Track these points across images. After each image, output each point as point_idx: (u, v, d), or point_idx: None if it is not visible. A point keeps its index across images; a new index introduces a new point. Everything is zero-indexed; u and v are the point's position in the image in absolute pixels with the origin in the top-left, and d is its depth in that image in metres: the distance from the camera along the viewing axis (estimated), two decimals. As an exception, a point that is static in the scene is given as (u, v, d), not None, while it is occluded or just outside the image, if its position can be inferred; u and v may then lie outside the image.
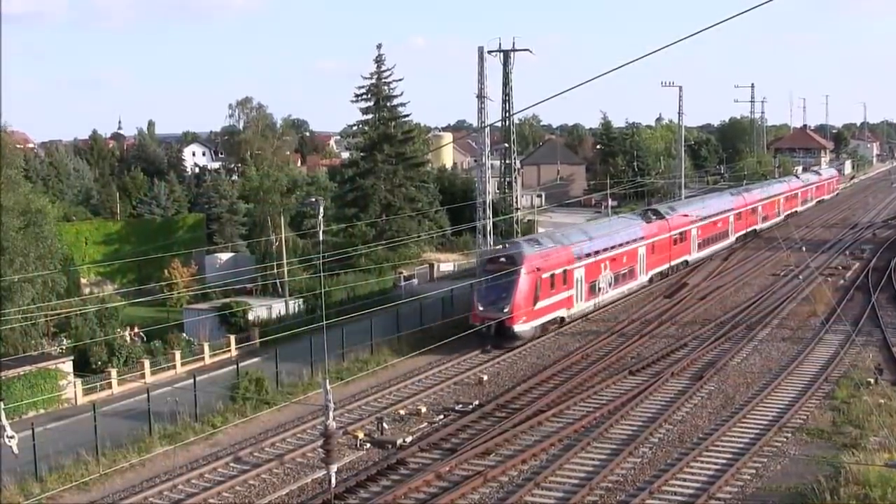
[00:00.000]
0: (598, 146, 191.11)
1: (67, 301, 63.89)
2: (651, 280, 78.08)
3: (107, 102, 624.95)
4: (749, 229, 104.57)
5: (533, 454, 38.89)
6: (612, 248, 70.28)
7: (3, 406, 29.71)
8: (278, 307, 69.12)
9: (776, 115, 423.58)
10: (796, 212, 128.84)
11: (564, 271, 62.42)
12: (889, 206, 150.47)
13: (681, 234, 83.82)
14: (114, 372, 53.17)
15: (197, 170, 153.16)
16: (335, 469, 32.71)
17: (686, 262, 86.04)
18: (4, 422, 28.01)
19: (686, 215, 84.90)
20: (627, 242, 73.01)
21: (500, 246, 64.71)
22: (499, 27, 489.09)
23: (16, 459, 31.34)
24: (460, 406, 46.34)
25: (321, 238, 47.67)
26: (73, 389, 50.43)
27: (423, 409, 45.57)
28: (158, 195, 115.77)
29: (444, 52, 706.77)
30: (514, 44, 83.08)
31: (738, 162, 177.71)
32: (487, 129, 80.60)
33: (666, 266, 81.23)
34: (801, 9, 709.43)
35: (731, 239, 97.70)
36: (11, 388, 47.56)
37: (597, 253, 67.59)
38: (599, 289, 67.94)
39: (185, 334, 63.36)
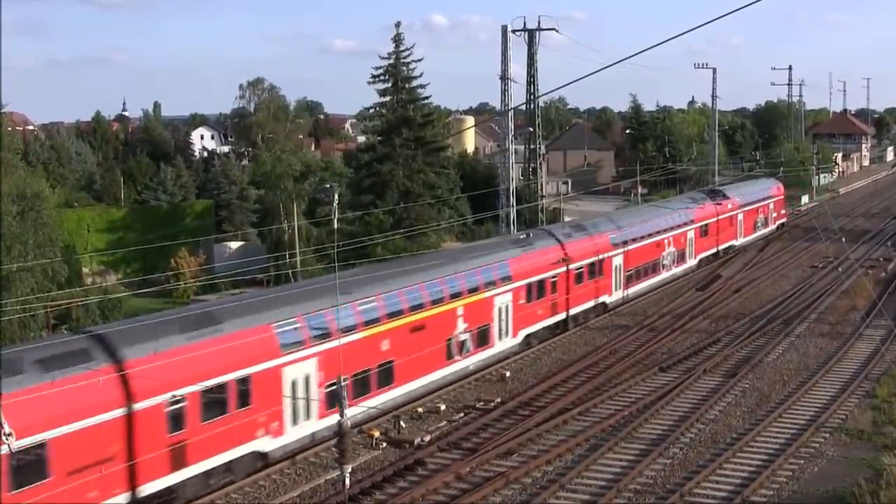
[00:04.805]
0: (627, 131, 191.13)
1: (69, 291, 64.05)
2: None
3: (111, 82, 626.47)
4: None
5: (558, 454, 38.86)
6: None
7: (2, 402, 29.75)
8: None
9: (815, 98, 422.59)
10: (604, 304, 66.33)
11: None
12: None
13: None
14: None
15: (205, 154, 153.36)
16: (349, 469, 32.77)
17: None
18: (3, 419, 28.09)
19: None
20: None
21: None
22: (524, 5, 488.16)
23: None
24: (481, 404, 46.30)
25: (336, 226, 47.64)
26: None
27: (443, 407, 45.54)
28: (165, 180, 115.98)
29: (466, 32, 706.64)
30: (539, 23, 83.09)
31: (775, 148, 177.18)
32: (511, 113, 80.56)
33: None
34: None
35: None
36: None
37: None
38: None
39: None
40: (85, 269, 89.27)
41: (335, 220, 45.45)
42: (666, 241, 75.23)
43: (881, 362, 51.93)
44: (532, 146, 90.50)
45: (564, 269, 59.44)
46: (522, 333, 55.05)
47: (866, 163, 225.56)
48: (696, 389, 47.78)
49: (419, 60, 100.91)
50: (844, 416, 43.46)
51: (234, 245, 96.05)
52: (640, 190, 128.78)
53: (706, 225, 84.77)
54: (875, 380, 48.74)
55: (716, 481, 35.90)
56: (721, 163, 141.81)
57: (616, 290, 67.10)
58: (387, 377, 43.29)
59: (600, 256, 64.14)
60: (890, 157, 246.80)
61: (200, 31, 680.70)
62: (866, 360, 52.53)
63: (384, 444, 40.62)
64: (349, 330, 41.03)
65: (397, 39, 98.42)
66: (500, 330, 52.57)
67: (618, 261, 66.74)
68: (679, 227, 78.30)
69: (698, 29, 22.81)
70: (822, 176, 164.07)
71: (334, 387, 36.17)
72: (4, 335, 53.51)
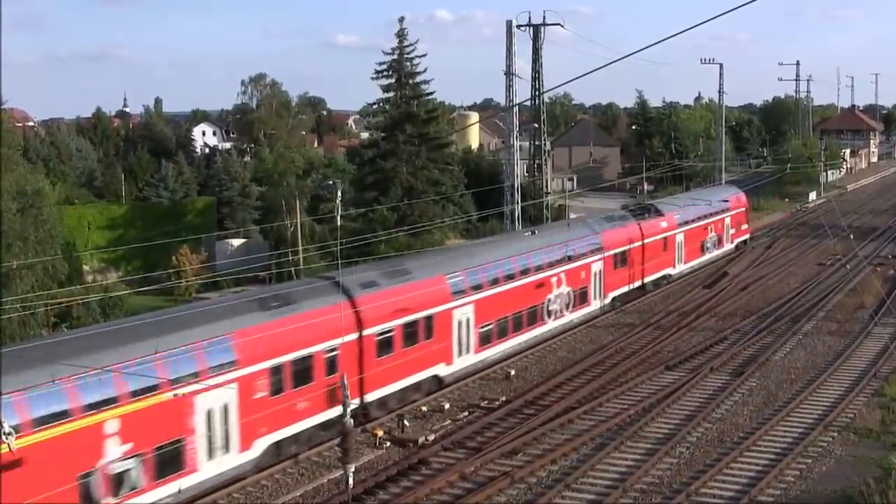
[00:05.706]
0: (633, 127, 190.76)
1: (69, 289, 64.14)
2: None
3: (111, 78, 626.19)
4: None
5: (563, 454, 38.83)
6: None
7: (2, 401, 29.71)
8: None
9: (823, 94, 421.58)
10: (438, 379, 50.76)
11: None
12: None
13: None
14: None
15: (207, 150, 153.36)
16: (353, 469, 32.73)
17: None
18: (3, 418, 28.07)
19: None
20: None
21: None
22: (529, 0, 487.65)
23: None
24: (486, 402, 46.27)
25: (339, 223, 47.72)
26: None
27: (447, 406, 45.53)
28: (166, 177, 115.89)
29: (470, 27, 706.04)
30: (544, 17, 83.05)
31: (782, 144, 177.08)
32: (516, 109, 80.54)
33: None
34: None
35: None
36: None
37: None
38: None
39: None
40: (85, 267, 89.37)
41: (338, 217, 45.51)
42: (554, 280, 57.93)
43: (890, 360, 51.77)
44: (537, 142, 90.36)
45: (356, 335, 41.90)
46: (261, 443, 37.13)
47: (874, 159, 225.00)
48: (703, 388, 47.71)
49: (423, 56, 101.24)
50: (853, 415, 43.38)
51: (236, 242, 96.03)
52: (646, 186, 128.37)
53: (623, 252, 66.96)
54: (884, 378, 48.63)
55: (723, 481, 35.86)
56: (728, 159, 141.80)
57: (461, 354, 49.54)
58: None
59: (430, 311, 46.83)
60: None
61: (201, 26, 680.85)
62: (875, 359, 52.41)
63: (388, 444, 40.60)
64: None
65: (401, 35, 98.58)
66: (211, 444, 34.82)
67: (463, 314, 49.32)
68: (577, 258, 60.75)
69: (704, 24, 22.79)
70: (829, 172, 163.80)
71: None
72: (4, 333, 53.58)
